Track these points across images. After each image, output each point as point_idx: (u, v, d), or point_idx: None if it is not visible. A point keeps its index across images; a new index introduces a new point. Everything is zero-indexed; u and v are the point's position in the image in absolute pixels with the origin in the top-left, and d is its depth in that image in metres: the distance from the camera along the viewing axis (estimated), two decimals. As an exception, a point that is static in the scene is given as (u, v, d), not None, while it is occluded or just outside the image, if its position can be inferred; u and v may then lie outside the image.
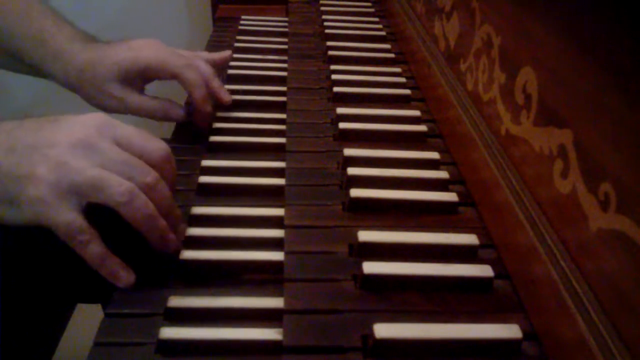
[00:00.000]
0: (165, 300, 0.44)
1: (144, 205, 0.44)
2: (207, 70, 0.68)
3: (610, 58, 0.36)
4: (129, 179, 0.44)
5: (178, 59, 0.65)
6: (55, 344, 0.69)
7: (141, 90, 0.67)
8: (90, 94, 0.65)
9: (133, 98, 0.65)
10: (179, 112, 0.67)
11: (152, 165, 0.46)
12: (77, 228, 0.43)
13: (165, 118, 0.66)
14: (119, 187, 0.44)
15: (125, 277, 0.45)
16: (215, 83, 0.69)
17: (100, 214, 0.45)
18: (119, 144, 0.46)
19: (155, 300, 0.44)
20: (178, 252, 0.48)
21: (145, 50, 0.65)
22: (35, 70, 0.68)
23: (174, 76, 0.65)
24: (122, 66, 0.64)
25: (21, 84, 0.71)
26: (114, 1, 1.52)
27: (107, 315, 0.44)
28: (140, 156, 0.46)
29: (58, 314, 0.69)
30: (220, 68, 0.75)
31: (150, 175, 0.46)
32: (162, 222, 0.46)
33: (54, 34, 0.66)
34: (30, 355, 0.64)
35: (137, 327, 0.42)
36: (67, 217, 0.43)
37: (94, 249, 0.44)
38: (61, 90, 0.68)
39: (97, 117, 0.47)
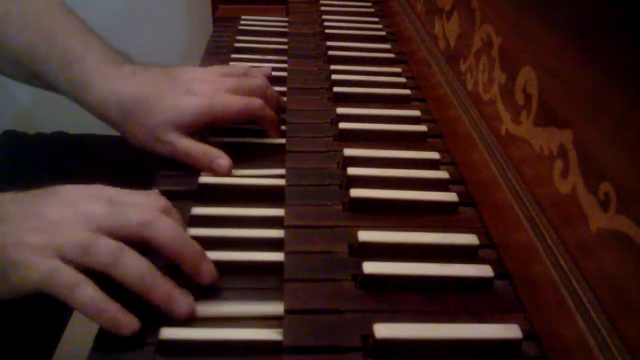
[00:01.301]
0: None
1: (134, 262, 0.41)
2: (276, 95, 0.67)
3: (610, 58, 0.36)
4: (122, 225, 0.43)
5: (255, 102, 0.61)
6: (55, 344, 0.69)
7: (191, 134, 0.61)
8: (135, 132, 0.59)
9: (181, 142, 0.59)
10: (225, 165, 0.58)
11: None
12: (58, 274, 0.40)
13: (209, 168, 0.58)
14: (104, 247, 0.41)
15: (127, 323, 0.41)
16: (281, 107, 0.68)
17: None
18: (110, 203, 0.45)
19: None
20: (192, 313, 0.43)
21: (217, 98, 0.59)
22: (64, 94, 0.62)
23: (257, 118, 0.63)
24: (189, 115, 0.58)
25: (22, 86, 0.68)
26: (114, 1, 1.52)
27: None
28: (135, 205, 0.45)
29: (58, 314, 0.69)
30: None
31: (145, 212, 0.44)
32: (163, 282, 0.42)
33: (80, 55, 0.60)
34: (30, 355, 0.64)
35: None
36: (46, 267, 0.40)
37: (84, 294, 0.40)
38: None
39: (92, 187, 0.46)
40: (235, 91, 0.61)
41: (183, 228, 0.47)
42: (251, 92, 0.63)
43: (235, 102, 0.60)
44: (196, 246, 0.45)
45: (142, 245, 0.43)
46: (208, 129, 0.61)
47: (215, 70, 0.65)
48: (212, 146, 0.59)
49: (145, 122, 0.58)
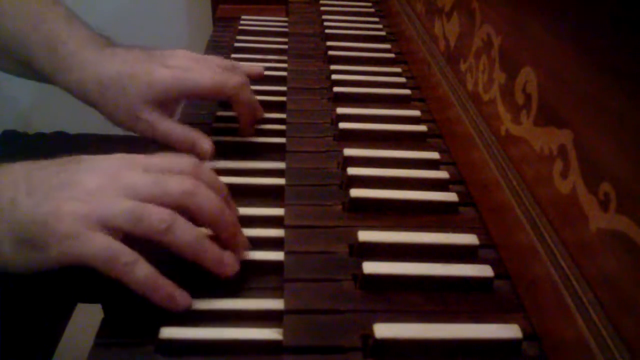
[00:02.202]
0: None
1: (187, 229, 0.42)
2: (253, 98, 0.64)
3: (610, 58, 0.36)
4: (164, 194, 0.42)
5: (233, 78, 0.60)
6: (55, 344, 0.69)
7: (172, 114, 0.61)
8: (114, 113, 0.59)
9: (163, 123, 0.58)
10: (207, 149, 0.58)
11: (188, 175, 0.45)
12: (116, 251, 0.40)
13: (190, 150, 0.58)
14: (157, 215, 0.41)
15: (182, 298, 0.42)
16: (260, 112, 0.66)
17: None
18: (147, 172, 0.44)
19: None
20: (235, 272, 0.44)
21: (191, 71, 0.59)
22: (49, 80, 0.62)
23: (229, 98, 0.60)
24: (161, 87, 0.58)
25: (21, 86, 0.68)
26: (114, 1, 1.52)
27: (107, 315, 0.44)
28: (170, 172, 0.44)
29: (58, 314, 0.69)
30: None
31: (186, 182, 0.43)
32: (212, 245, 0.43)
33: (65, 39, 0.60)
34: (31, 355, 0.64)
35: (137, 327, 0.42)
36: (101, 243, 0.39)
37: (142, 270, 0.40)
38: (63, 93, 0.63)
39: (120, 157, 0.45)
40: (211, 67, 0.61)
41: (217, 185, 0.47)
42: (229, 67, 0.62)
43: (209, 76, 0.59)
44: (234, 217, 0.46)
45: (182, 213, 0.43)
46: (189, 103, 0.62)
47: (194, 53, 0.64)
48: (193, 129, 0.59)
49: (122, 99, 0.58)
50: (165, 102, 0.59)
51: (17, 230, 0.40)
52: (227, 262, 0.44)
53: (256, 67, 0.71)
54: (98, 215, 0.40)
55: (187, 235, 0.42)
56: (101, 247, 0.39)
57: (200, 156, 0.56)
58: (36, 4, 0.64)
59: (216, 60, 0.64)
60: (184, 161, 0.47)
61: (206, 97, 0.61)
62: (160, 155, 0.47)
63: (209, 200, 0.44)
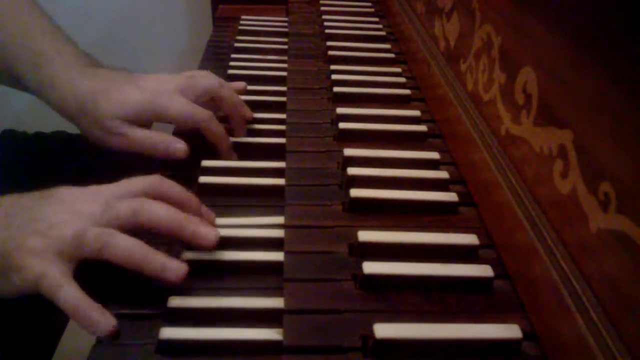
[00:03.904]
0: (166, 300, 0.44)
1: (122, 242, 0.44)
2: (236, 100, 0.64)
3: (610, 58, 0.36)
4: (115, 218, 0.45)
5: (201, 113, 0.60)
6: (55, 344, 0.69)
7: (145, 126, 0.62)
8: (89, 128, 0.61)
9: (135, 133, 0.60)
10: (181, 148, 0.59)
11: (143, 195, 0.48)
12: (47, 276, 0.43)
13: (166, 154, 0.60)
14: (91, 236, 0.44)
15: (104, 322, 0.42)
16: (238, 116, 0.65)
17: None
18: (100, 201, 0.47)
19: (156, 300, 0.44)
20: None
21: (162, 97, 0.60)
22: (35, 94, 0.64)
23: (197, 128, 0.60)
24: (131, 108, 0.59)
25: (12, 95, 0.69)
26: (114, 1, 1.52)
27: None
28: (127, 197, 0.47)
29: (58, 314, 0.69)
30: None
31: (133, 202, 0.46)
32: (152, 253, 0.44)
33: (51, 59, 0.62)
34: (30, 355, 0.64)
35: (137, 327, 0.42)
36: (39, 269, 0.43)
37: (65, 293, 0.43)
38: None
39: (83, 191, 0.48)
40: (185, 91, 0.61)
41: (180, 196, 0.49)
42: (199, 91, 0.62)
43: (176, 105, 0.59)
44: (189, 219, 0.47)
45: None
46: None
47: (176, 74, 0.64)
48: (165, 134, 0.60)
49: (95, 115, 0.59)
50: (137, 122, 0.60)
51: None
52: (170, 267, 0.44)
53: (239, 84, 0.70)
54: (52, 249, 0.44)
55: (121, 248, 0.44)
56: (36, 273, 0.43)
57: (177, 156, 0.59)
58: (26, 16, 0.66)
59: (202, 81, 0.63)
60: (145, 182, 0.49)
61: (172, 123, 0.62)
62: (120, 182, 0.49)
63: (157, 212, 0.46)
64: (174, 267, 0.45)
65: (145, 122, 0.61)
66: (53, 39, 0.64)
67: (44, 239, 0.44)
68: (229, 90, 0.64)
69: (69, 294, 0.43)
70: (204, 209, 0.51)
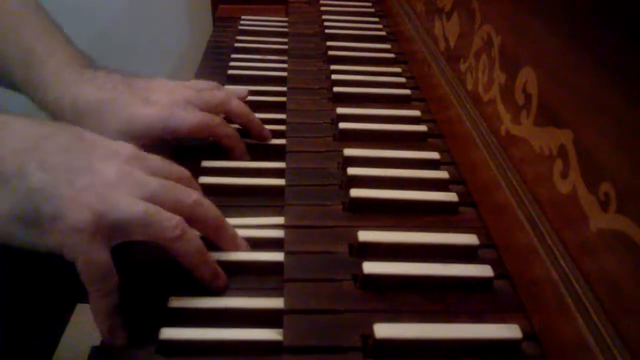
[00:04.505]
0: (166, 300, 0.44)
1: (194, 239, 0.43)
2: (244, 110, 0.63)
3: (610, 58, 0.36)
4: (176, 202, 0.43)
5: (215, 119, 0.58)
6: (55, 344, 0.69)
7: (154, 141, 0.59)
8: None
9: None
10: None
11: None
12: (106, 272, 0.40)
13: None
14: (169, 221, 0.41)
15: (121, 338, 0.41)
16: (255, 124, 0.63)
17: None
18: (152, 173, 0.44)
19: (155, 300, 0.44)
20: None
21: (175, 111, 0.56)
22: (27, 95, 0.60)
23: (213, 137, 0.59)
24: (142, 125, 0.56)
25: (12, 95, 0.66)
26: (114, 1, 1.52)
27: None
28: (172, 180, 0.45)
29: (58, 314, 0.69)
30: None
31: (194, 194, 0.45)
32: (212, 258, 0.45)
33: (43, 59, 0.58)
34: (30, 355, 0.64)
35: (137, 327, 0.42)
36: (100, 257, 0.39)
37: (109, 301, 0.40)
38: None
39: (126, 148, 0.45)
40: (195, 103, 0.59)
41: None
42: (211, 107, 0.60)
43: (191, 117, 0.57)
44: (231, 227, 0.48)
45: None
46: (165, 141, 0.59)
47: (181, 83, 0.62)
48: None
49: (98, 127, 0.54)
50: (144, 138, 0.56)
51: (20, 201, 0.39)
52: (221, 276, 0.45)
53: (240, 90, 0.69)
54: (112, 217, 0.40)
55: (193, 245, 0.43)
56: (97, 261, 0.39)
57: None
58: (17, 14, 0.62)
59: (201, 84, 0.63)
60: (179, 169, 0.48)
61: (187, 137, 0.59)
62: (157, 158, 0.47)
63: (213, 209, 0.46)
64: (223, 276, 0.45)
65: (155, 138, 0.58)
66: (47, 37, 0.61)
67: (101, 201, 0.39)
68: (237, 100, 0.63)
69: (111, 302, 0.40)
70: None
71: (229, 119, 0.63)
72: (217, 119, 0.59)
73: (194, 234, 0.44)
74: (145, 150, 0.48)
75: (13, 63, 0.60)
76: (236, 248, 0.48)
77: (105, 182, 0.41)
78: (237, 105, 0.63)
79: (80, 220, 0.38)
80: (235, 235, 0.48)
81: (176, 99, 0.58)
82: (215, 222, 0.47)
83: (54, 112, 0.57)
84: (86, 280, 0.40)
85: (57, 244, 0.39)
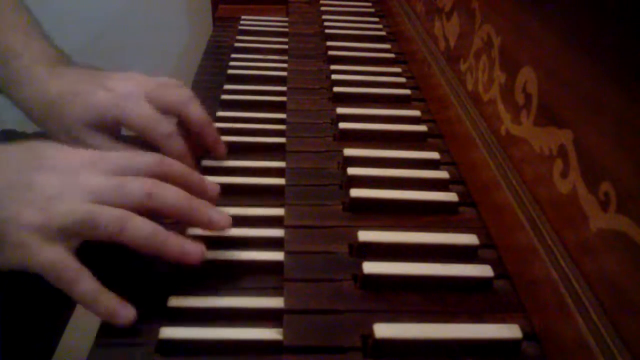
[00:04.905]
0: (166, 300, 0.44)
1: (142, 225, 0.42)
2: (202, 117, 0.58)
3: (610, 58, 0.36)
4: (125, 198, 0.43)
5: (162, 126, 0.55)
6: (55, 344, 0.69)
7: (116, 133, 0.57)
8: (56, 134, 0.56)
9: (106, 149, 0.54)
10: None
11: (150, 174, 0.45)
12: (61, 266, 0.40)
13: None
14: (108, 217, 0.41)
15: (124, 313, 0.41)
16: (211, 134, 0.59)
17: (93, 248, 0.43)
18: (106, 173, 0.44)
19: (156, 300, 0.44)
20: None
21: (126, 100, 0.55)
22: (4, 93, 0.59)
23: (157, 144, 0.55)
24: (95, 111, 0.54)
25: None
26: (114, 1, 1.52)
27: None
28: (132, 173, 0.44)
29: (58, 314, 0.69)
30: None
31: (147, 182, 0.44)
32: (171, 236, 0.43)
33: (18, 54, 0.58)
34: (30, 355, 0.64)
35: (137, 327, 0.42)
36: (50, 256, 0.40)
37: (82, 287, 0.41)
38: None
39: (80, 155, 0.45)
40: (152, 99, 0.56)
41: (186, 176, 0.47)
42: (166, 104, 0.56)
43: (141, 114, 0.54)
44: (200, 202, 0.46)
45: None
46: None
47: (146, 77, 0.59)
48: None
49: (61, 120, 0.55)
50: (102, 126, 0.55)
51: None
52: (190, 250, 0.43)
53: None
54: (54, 224, 0.41)
55: (142, 231, 0.42)
56: (47, 261, 0.40)
57: None
58: None
59: (171, 94, 0.58)
60: (146, 159, 0.46)
61: (135, 133, 0.56)
62: (121, 153, 0.47)
63: (171, 196, 0.44)
64: (194, 250, 0.44)
65: (110, 126, 0.56)
66: (24, 34, 0.60)
67: (42, 213, 0.41)
68: (197, 106, 0.58)
69: (87, 287, 0.41)
70: (208, 183, 0.49)
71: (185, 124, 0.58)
72: (167, 128, 0.55)
73: (140, 221, 0.42)
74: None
75: None
76: (212, 227, 0.46)
77: (46, 195, 0.42)
78: (195, 111, 0.57)
79: (21, 238, 0.40)
80: (204, 212, 0.45)
81: (133, 89, 0.56)
82: (176, 206, 0.44)
83: (26, 110, 0.58)
84: (52, 281, 0.41)
85: (14, 262, 0.41)
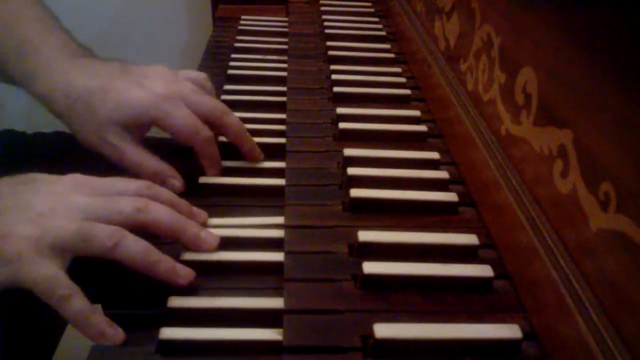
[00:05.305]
0: (166, 300, 0.44)
1: (135, 243, 0.43)
2: (238, 126, 0.58)
3: (610, 58, 0.36)
4: (115, 214, 0.43)
5: (203, 130, 0.55)
6: (55, 344, 0.69)
7: (142, 137, 0.57)
8: (80, 129, 0.55)
9: (132, 151, 0.54)
10: (176, 184, 0.55)
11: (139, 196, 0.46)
12: (56, 283, 0.40)
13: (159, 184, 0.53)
14: (103, 233, 0.42)
15: (113, 335, 0.41)
16: (248, 142, 0.59)
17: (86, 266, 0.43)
18: (96, 195, 0.45)
19: (156, 300, 0.44)
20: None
21: (166, 102, 0.54)
22: (21, 86, 0.59)
23: (193, 147, 0.55)
24: (132, 110, 0.53)
25: (12, 94, 0.66)
26: (114, 1, 1.52)
27: (107, 316, 0.44)
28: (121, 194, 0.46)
29: (58, 314, 0.69)
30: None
31: (137, 202, 0.44)
32: (163, 257, 0.44)
33: (37, 45, 0.57)
34: (30, 355, 0.64)
35: (137, 327, 0.42)
36: (44, 271, 0.40)
37: (75, 305, 0.40)
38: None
39: (71, 178, 0.46)
40: (191, 105, 0.55)
41: (175, 202, 0.48)
42: (203, 111, 0.56)
43: (182, 117, 0.54)
44: (189, 221, 0.47)
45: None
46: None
47: (178, 76, 0.59)
48: (164, 162, 0.55)
49: (90, 118, 0.54)
50: (134, 126, 0.55)
51: None
52: (180, 273, 0.44)
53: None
54: (48, 239, 0.41)
55: (136, 248, 0.43)
56: (40, 276, 0.40)
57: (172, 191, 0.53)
58: (14, 3, 0.61)
59: (193, 74, 0.60)
60: (136, 184, 0.48)
61: (172, 134, 0.55)
62: (111, 178, 0.48)
63: (161, 212, 0.45)
64: (184, 273, 0.44)
65: (142, 127, 0.56)
66: (41, 26, 0.59)
67: (36, 227, 0.41)
68: (234, 117, 0.59)
69: (79, 306, 0.41)
70: (195, 210, 0.51)
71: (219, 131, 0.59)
72: (207, 132, 0.55)
73: (133, 238, 0.43)
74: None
75: (8, 53, 0.58)
76: (199, 247, 0.47)
77: (40, 213, 0.42)
78: (231, 119, 0.58)
79: (14, 250, 0.40)
80: (193, 230, 0.46)
81: (171, 90, 0.55)
82: (165, 223, 0.45)
83: (47, 103, 0.56)
84: (43, 297, 0.41)
85: (6, 277, 0.40)
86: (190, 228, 0.47)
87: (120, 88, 0.54)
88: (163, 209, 0.46)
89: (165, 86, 0.55)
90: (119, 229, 0.43)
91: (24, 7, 0.61)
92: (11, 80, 0.60)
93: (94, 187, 0.46)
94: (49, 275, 0.40)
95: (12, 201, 0.43)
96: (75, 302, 0.41)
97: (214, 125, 0.57)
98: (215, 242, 0.48)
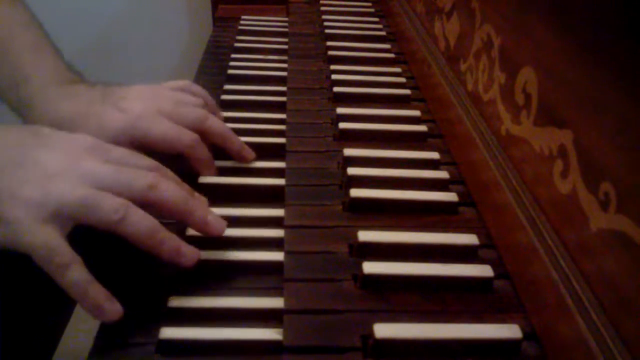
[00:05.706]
0: (166, 300, 0.44)
1: (142, 219, 0.41)
2: (221, 129, 0.58)
3: (610, 58, 0.36)
4: (126, 187, 0.42)
5: (186, 137, 0.55)
6: (55, 344, 0.69)
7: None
8: None
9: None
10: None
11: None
12: (55, 249, 0.39)
13: None
14: (110, 204, 0.40)
15: (110, 309, 0.40)
16: (235, 143, 0.59)
17: (88, 239, 0.42)
18: (108, 161, 0.44)
19: (156, 300, 0.44)
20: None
21: (143, 120, 0.54)
22: (13, 110, 0.58)
23: (182, 155, 0.55)
24: (111, 133, 0.53)
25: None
26: (114, 1, 1.52)
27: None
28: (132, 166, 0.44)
29: (58, 314, 0.69)
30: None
31: (150, 177, 0.43)
32: (169, 235, 0.43)
33: (28, 76, 0.57)
34: (31, 355, 0.64)
35: (137, 327, 0.42)
36: (43, 237, 0.39)
37: (74, 274, 0.39)
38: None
39: (83, 138, 0.45)
40: (170, 116, 0.55)
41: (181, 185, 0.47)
42: (187, 123, 0.56)
43: (161, 130, 0.54)
44: (198, 202, 0.46)
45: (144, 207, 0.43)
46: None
47: (160, 91, 0.59)
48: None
49: None
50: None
51: None
52: (185, 252, 0.43)
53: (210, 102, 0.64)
54: (53, 204, 0.40)
55: (142, 225, 0.41)
56: (40, 242, 0.39)
57: None
58: (7, 29, 0.61)
59: (190, 113, 0.57)
60: (147, 160, 0.47)
61: (156, 150, 0.54)
62: (124, 149, 0.46)
63: (172, 192, 0.44)
64: (189, 253, 0.44)
65: (125, 146, 0.53)
66: (34, 52, 0.60)
67: (41, 190, 0.40)
68: (213, 119, 0.58)
69: (78, 276, 0.40)
70: (197, 194, 0.49)
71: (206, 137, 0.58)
72: (190, 137, 0.55)
73: (142, 214, 0.42)
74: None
75: (3, 80, 0.59)
76: (207, 230, 0.46)
77: (45, 174, 0.41)
78: (212, 124, 0.58)
79: (16, 214, 0.39)
80: (202, 213, 0.46)
81: (148, 108, 0.55)
82: (174, 203, 0.44)
83: None
84: (41, 263, 0.40)
85: (6, 239, 0.39)
86: (199, 210, 0.46)
87: (99, 113, 0.55)
88: (174, 188, 0.44)
89: (143, 105, 0.55)
90: (126, 203, 0.41)
91: (17, 32, 0.61)
92: (8, 104, 0.60)
93: (107, 154, 0.44)
94: (49, 242, 0.39)
95: (20, 155, 0.42)
96: (74, 271, 0.40)
97: (199, 133, 0.57)
98: (222, 227, 0.47)
